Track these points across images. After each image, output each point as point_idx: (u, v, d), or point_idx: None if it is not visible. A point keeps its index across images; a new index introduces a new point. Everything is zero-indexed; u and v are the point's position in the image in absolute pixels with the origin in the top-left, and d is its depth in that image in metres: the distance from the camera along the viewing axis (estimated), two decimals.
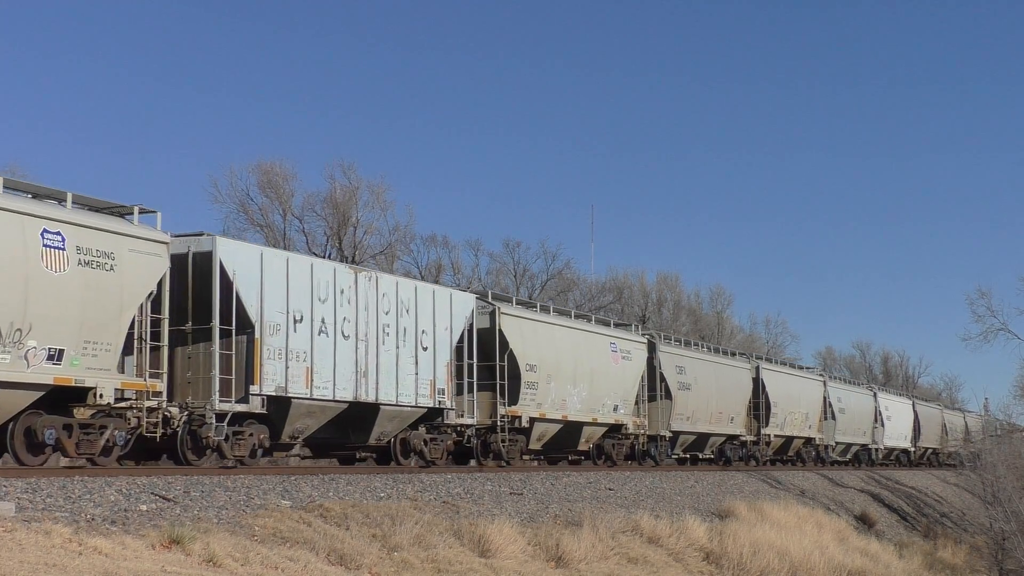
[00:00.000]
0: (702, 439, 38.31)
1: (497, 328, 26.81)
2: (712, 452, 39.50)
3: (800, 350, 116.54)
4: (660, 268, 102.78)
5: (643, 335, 35.33)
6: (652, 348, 34.53)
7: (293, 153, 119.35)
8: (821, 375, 51.68)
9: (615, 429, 32.24)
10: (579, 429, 30.36)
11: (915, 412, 62.18)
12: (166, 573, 11.54)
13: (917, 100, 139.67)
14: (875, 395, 56.52)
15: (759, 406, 41.68)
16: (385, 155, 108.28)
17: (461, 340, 25.51)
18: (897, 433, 59.00)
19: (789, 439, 45.30)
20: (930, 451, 65.32)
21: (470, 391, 25.72)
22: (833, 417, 49.51)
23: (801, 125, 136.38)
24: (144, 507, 14.48)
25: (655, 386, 34.54)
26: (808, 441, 47.26)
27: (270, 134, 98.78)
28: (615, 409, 31.72)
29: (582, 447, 31.16)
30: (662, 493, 27.88)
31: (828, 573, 23.86)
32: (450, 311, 25.18)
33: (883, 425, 56.21)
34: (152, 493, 15.28)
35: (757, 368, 42.49)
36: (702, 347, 41.06)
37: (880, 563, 28.33)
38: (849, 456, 53.44)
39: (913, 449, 61.72)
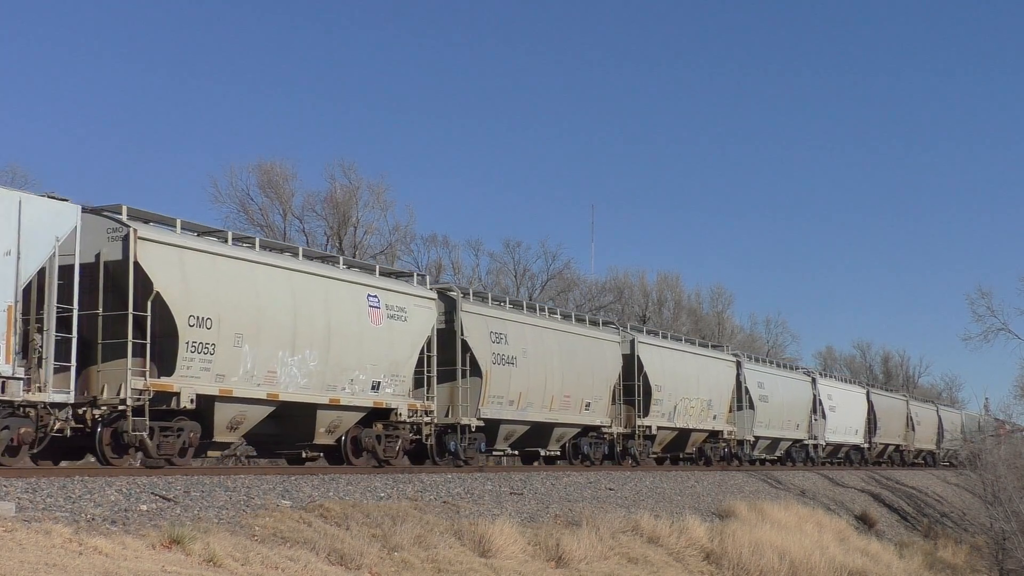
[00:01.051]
0: (538, 430, 29.60)
1: (132, 260, 17.97)
2: (559, 448, 31.28)
3: (800, 350, 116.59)
4: (660, 268, 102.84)
5: (432, 288, 25.93)
6: (453, 305, 26.19)
7: (293, 153, 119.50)
8: (735, 355, 42.47)
9: (380, 415, 23.63)
10: (312, 413, 21.91)
11: (869, 403, 54.91)
12: (166, 573, 11.53)
13: (918, 100, 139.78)
14: (814, 381, 48.14)
15: (634, 390, 33.29)
16: (385, 155, 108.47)
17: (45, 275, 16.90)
18: (844, 427, 50.91)
19: (684, 432, 36.91)
20: (891, 448, 59.02)
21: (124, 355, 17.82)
22: (751, 406, 41.44)
23: (801, 125, 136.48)
24: (144, 507, 14.48)
25: (456, 360, 25.89)
26: (713, 435, 38.99)
27: (270, 134, 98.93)
28: (375, 387, 23.17)
29: (322, 440, 22.57)
30: (662, 493, 27.89)
31: (828, 573, 23.85)
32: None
33: (824, 417, 48.46)
34: (152, 493, 15.28)
35: (632, 342, 33.80)
36: (543, 312, 31.09)
37: (880, 563, 28.33)
38: (779, 453, 45.39)
39: (867, 446, 54.53)
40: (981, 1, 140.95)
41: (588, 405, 30.89)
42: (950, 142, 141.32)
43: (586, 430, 31.51)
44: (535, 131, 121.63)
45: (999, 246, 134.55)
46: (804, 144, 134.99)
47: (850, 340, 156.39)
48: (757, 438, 42.72)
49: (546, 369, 29.03)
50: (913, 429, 61.30)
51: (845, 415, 51.07)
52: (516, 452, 30.84)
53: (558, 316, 31.77)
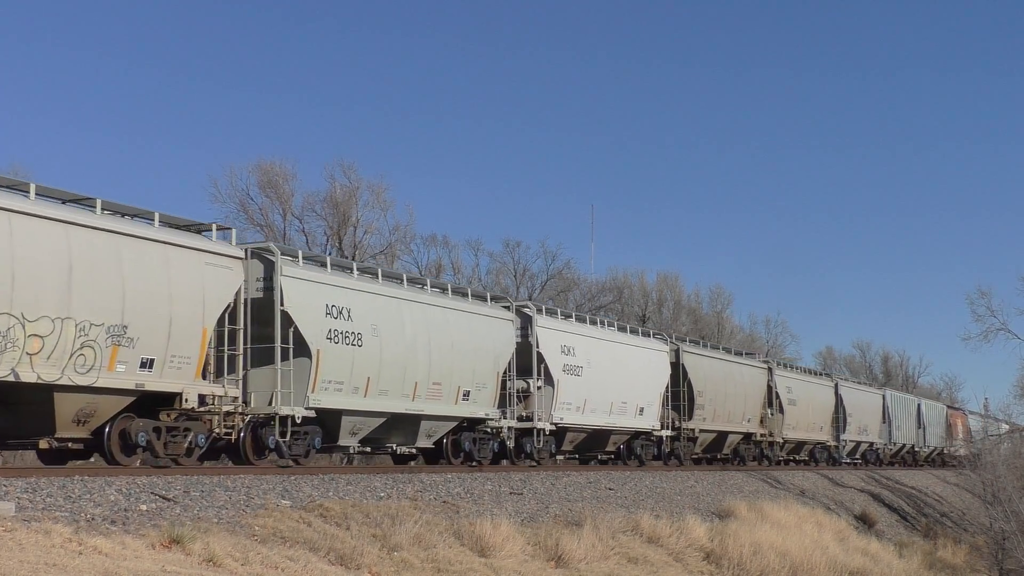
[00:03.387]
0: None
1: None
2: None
3: (800, 350, 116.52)
4: (660, 268, 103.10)
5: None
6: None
7: (293, 153, 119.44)
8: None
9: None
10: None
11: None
12: (166, 573, 11.52)
13: (917, 99, 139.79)
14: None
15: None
16: (385, 155, 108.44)
17: None
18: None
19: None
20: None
21: None
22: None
23: (801, 125, 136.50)
24: (144, 507, 14.48)
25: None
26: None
27: (270, 134, 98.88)
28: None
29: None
30: (662, 493, 27.87)
31: (828, 573, 23.85)
32: None
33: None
34: (152, 493, 15.27)
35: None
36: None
37: (880, 563, 28.33)
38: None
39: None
40: (978, 5, 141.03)
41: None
42: (950, 142, 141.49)
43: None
44: (535, 131, 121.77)
45: (999, 246, 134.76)
46: (804, 144, 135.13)
47: (850, 340, 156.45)
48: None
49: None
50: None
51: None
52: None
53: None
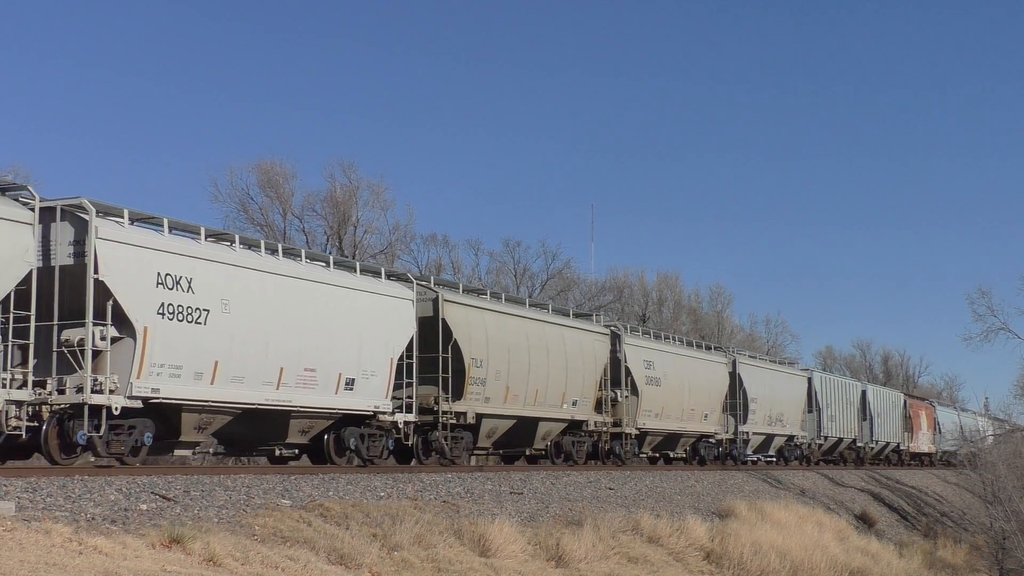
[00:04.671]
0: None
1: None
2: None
3: (800, 350, 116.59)
4: (660, 268, 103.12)
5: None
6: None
7: (293, 153, 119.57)
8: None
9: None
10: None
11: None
12: (166, 572, 11.52)
13: (917, 99, 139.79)
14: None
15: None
16: (385, 155, 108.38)
17: None
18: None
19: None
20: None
21: None
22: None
23: (801, 125, 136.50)
24: (144, 506, 14.47)
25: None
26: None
27: (270, 134, 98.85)
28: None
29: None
30: (662, 493, 27.87)
31: (829, 573, 23.86)
32: None
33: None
34: (152, 492, 15.27)
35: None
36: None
37: (880, 562, 28.34)
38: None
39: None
40: (977, 7, 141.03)
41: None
42: (950, 142, 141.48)
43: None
44: (535, 131, 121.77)
45: (999, 246, 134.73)
46: (804, 144, 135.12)
47: (850, 340, 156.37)
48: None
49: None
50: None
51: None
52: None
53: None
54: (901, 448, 59.58)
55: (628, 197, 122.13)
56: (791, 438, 45.12)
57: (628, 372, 32.43)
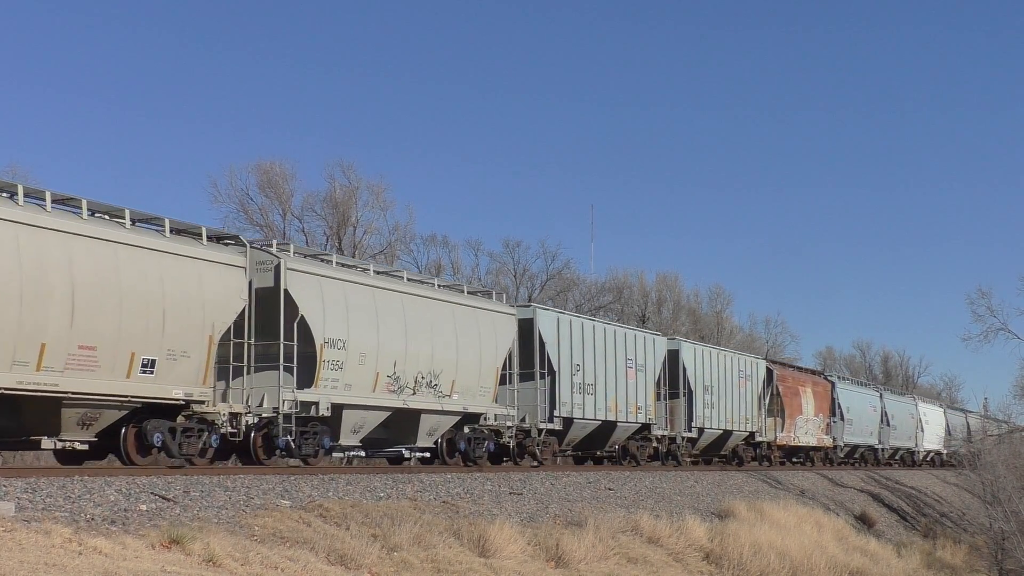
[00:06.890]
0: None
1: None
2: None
3: (800, 350, 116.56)
4: (660, 268, 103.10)
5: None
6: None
7: (293, 153, 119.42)
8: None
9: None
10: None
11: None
12: (166, 573, 11.53)
13: (916, 100, 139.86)
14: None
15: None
16: (385, 155, 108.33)
17: None
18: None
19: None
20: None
21: None
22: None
23: (801, 125, 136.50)
24: (144, 507, 14.48)
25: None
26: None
27: (270, 134, 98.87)
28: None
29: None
30: (662, 493, 27.88)
31: (828, 573, 23.86)
32: None
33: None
34: (152, 493, 15.27)
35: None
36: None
37: (880, 563, 28.34)
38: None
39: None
40: (976, 10, 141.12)
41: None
42: (949, 142, 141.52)
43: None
44: (535, 131, 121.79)
45: (999, 246, 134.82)
46: (804, 144, 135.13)
47: (850, 340, 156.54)
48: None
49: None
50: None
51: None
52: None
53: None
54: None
55: (628, 197, 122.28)
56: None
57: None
